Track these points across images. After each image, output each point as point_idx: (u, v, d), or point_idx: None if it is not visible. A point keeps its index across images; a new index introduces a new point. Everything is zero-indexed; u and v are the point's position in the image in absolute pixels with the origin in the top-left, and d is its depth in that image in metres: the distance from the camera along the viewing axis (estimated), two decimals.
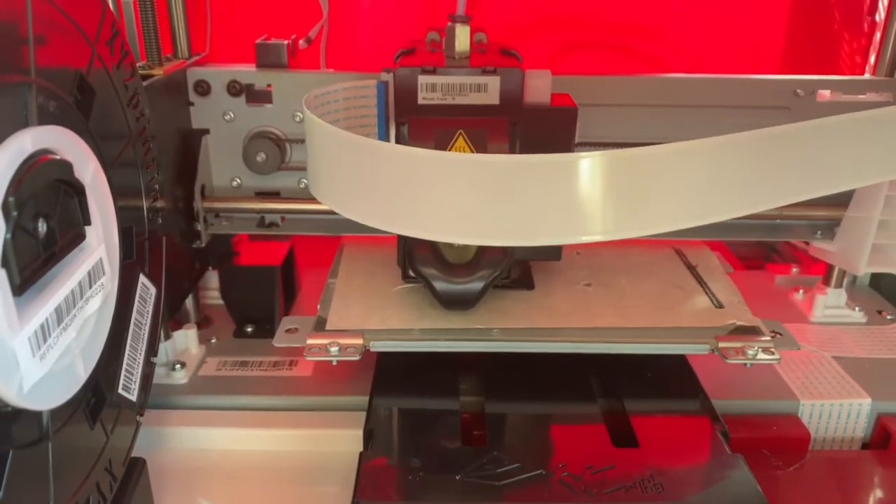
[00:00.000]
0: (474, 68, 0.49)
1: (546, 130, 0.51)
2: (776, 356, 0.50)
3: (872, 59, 0.65)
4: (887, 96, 0.62)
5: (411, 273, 0.53)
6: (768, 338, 0.51)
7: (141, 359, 0.44)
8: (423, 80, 0.49)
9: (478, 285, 0.52)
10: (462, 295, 0.52)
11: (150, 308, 0.45)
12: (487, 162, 0.41)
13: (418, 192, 0.42)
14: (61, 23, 0.35)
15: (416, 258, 0.52)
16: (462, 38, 0.51)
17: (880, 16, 0.68)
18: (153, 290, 0.46)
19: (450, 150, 0.49)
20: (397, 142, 0.50)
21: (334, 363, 0.50)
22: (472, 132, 0.48)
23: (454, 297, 0.52)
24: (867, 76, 0.65)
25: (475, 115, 0.49)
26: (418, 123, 0.49)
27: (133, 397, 0.43)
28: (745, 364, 0.50)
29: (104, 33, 0.39)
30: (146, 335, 0.45)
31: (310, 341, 0.50)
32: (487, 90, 0.49)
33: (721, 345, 0.50)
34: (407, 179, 0.42)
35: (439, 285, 0.52)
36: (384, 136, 0.52)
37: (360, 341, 0.50)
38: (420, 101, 0.49)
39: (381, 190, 0.43)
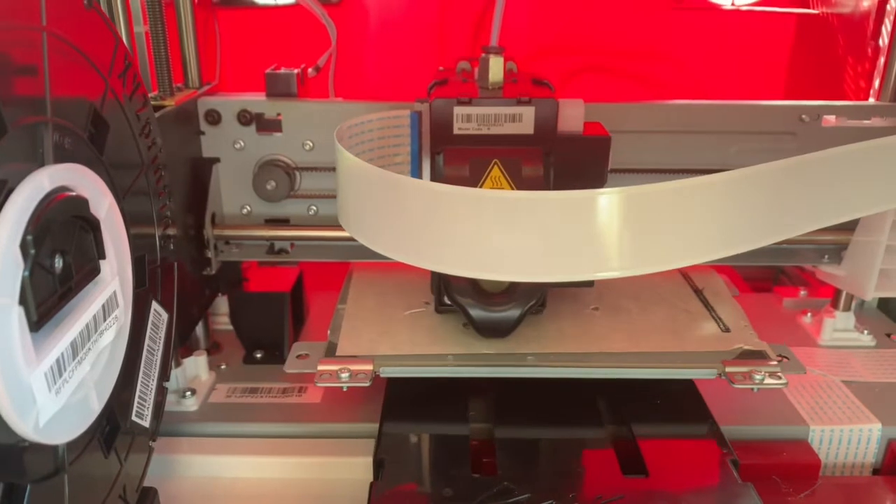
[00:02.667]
0: (509, 98, 0.49)
1: (579, 159, 0.51)
2: (783, 381, 0.50)
3: (877, 83, 0.65)
4: (892, 121, 0.62)
5: (447, 301, 0.53)
6: (775, 362, 0.51)
7: (154, 385, 0.44)
8: (458, 110, 0.49)
9: (514, 313, 0.52)
10: (499, 323, 0.52)
11: (163, 334, 0.46)
12: (510, 198, 0.41)
13: (442, 228, 0.42)
14: (76, 59, 0.36)
15: (452, 287, 0.52)
16: (496, 68, 0.52)
17: (884, 41, 0.68)
18: (165, 315, 0.46)
19: (485, 179, 0.49)
20: (432, 170, 0.50)
21: (345, 389, 0.50)
22: (507, 161, 0.49)
23: (491, 325, 0.52)
24: (872, 101, 0.65)
25: (510, 145, 0.49)
26: (454, 153, 0.49)
27: (146, 423, 0.43)
28: (753, 389, 0.50)
29: (117, 66, 0.40)
30: (158, 361, 0.45)
31: (320, 367, 0.50)
32: (522, 120, 0.49)
33: (728, 369, 0.50)
34: (431, 215, 0.42)
35: (476, 313, 0.52)
36: (417, 166, 0.52)
37: (370, 367, 0.50)
38: (455, 132, 0.49)
39: (407, 225, 0.43)
